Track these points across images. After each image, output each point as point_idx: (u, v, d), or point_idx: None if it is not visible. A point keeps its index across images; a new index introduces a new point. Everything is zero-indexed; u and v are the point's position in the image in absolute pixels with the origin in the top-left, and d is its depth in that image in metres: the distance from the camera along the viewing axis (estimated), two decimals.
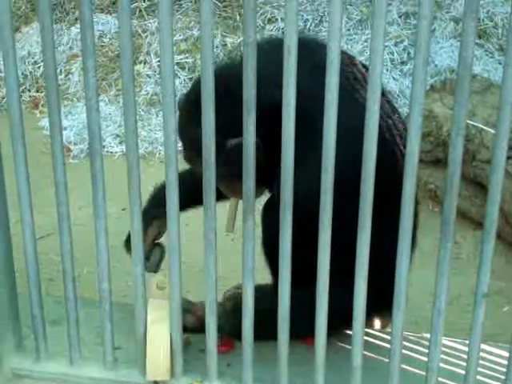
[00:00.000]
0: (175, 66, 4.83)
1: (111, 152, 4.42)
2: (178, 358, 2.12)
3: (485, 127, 3.71)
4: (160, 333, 2.10)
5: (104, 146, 4.39)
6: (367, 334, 2.25)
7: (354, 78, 2.19)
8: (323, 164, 1.82)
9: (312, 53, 2.06)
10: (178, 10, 5.23)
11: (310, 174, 1.92)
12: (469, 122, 3.76)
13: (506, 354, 2.00)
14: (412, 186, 1.84)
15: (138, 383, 2.15)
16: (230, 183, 2.19)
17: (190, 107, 2.18)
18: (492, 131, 3.41)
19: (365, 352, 2.04)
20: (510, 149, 3.61)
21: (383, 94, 2.04)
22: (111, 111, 4.66)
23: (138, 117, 1.95)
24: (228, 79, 2.00)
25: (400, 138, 2.18)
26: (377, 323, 2.52)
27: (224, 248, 2.37)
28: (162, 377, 2.12)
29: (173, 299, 2.05)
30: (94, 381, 2.17)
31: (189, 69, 4.89)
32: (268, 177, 2.06)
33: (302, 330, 2.09)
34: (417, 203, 1.93)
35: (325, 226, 1.88)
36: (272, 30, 5.13)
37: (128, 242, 2.26)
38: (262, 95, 1.81)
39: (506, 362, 2.01)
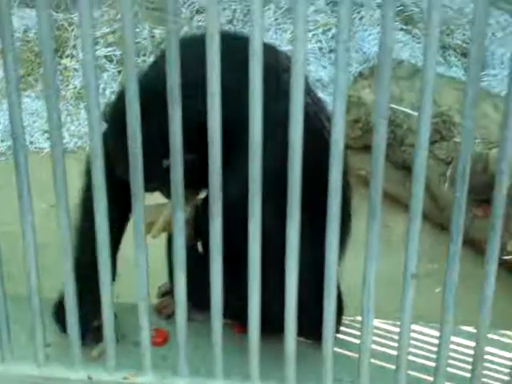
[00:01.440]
0: (103, 59, 4.79)
1: (39, 148, 4.36)
2: (110, 352, 2.11)
3: (412, 112, 3.76)
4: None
5: (32, 142, 4.33)
6: None
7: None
8: (250, 157, 1.83)
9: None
10: (104, 3, 5.17)
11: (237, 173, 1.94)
12: (396, 107, 3.81)
13: (438, 334, 2.04)
14: (338, 173, 1.86)
15: (70, 379, 2.13)
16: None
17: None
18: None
19: (298, 338, 2.06)
20: (437, 132, 3.72)
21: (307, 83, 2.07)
22: (38, 107, 4.58)
23: (66, 111, 1.93)
24: (154, 98, 1.97)
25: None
26: None
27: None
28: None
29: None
30: (26, 378, 2.15)
31: (117, 61, 4.84)
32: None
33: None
34: (346, 191, 1.95)
35: (255, 218, 1.90)
36: (200, 21, 5.11)
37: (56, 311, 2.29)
38: (187, 115, 1.83)
39: (437, 342, 2.04)
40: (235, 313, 2.09)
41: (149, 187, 1.95)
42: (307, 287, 2.00)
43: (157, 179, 2.01)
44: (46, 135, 4.39)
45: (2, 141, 4.41)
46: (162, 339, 2.30)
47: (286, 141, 1.82)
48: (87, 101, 1.86)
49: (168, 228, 2.22)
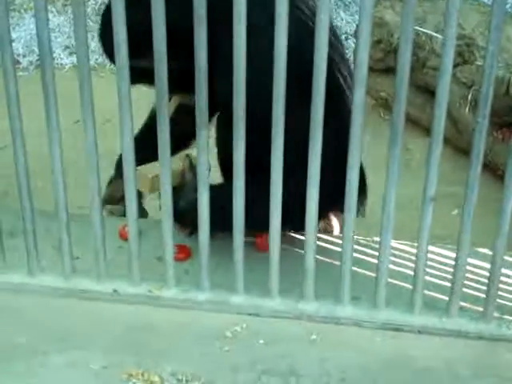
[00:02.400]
0: None
1: (61, 64, 4.36)
2: (135, 266, 2.16)
3: (435, 34, 3.74)
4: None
5: (53, 58, 4.32)
6: (320, 239, 2.31)
7: None
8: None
9: None
10: None
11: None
12: (419, 29, 3.79)
13: (454, 255, 2.07)
14: (362, 95, 1.87)
15: (96, 291, 2.19)
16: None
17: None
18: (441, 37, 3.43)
19: (318, 256, 2.11)
20: (459, 56, 3.69)
21: None
22: (60, 22, 4.58)
23: (86, 28, 1.94)
24: None
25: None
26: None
27: None
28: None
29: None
30: (53, 290, 2.20)
31: None
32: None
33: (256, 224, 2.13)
34: None
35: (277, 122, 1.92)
36: None
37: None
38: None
39: (453, 263, 2.08)
40: (257, 223, 2.13)
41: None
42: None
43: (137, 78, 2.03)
44: (68, 51, 4.39)
45: (24, 56, 4.42)
46: (184, 255, 2.34)
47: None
48: (113, 24, 1.87)
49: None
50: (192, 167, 2.31)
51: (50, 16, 4.53)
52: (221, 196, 2.07)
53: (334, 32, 2.26)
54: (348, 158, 1.94)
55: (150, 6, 1.86)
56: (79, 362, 1.99)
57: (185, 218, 2.24)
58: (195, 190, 2.06)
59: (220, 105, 2.15)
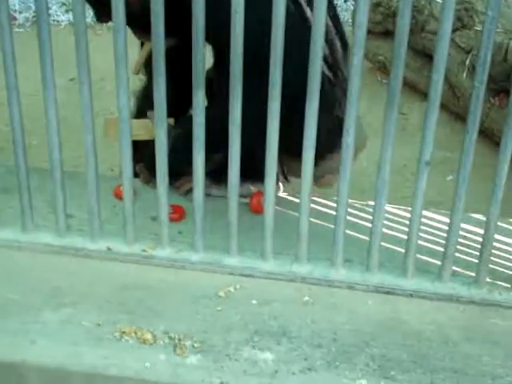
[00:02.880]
0: None
1: (57, 21, 4.33)
2: (129, 225, 2.17)
3: None
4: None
5: (50, 15, 4.28)
6: (314, 202, 2.31)
7: None
8: None
9: None
10: None
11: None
12: None
13: (447, 220, 2.08)
14: (360, 58, 1.86)
15: (90, 249, 2.20)
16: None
17: None
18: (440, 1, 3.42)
19: (312, 219, 2.12)
20: (458, 20, 3.67)
21: None
22: None
23: None
24: None
25: None
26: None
27: None
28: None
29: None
30: (46, 247, 2.21)
31: None
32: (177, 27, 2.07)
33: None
34: None
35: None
36: None
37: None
38: None
39: (446, 228, 2.09)
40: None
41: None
42: None
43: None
44: (64, 8, 4.35)
45: (20, 12, 4.38)
46: (179, 215, 2.35)
47: None
48: None
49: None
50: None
51: None
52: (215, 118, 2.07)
53: None
54: (345, 120, 1.94)
55: None
56: (72, 319, 2.00)
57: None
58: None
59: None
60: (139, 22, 2.06)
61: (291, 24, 1.88)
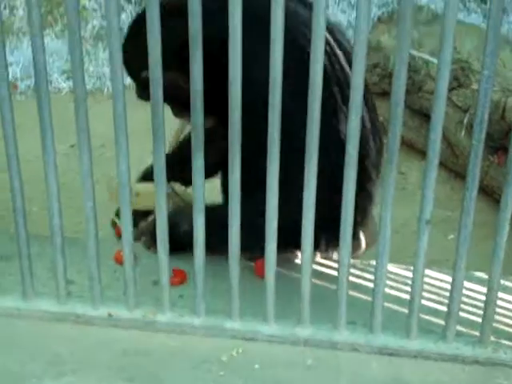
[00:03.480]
0: (122, 0, 4.79)
1: (58, 88, 4.37)
2: (130, 290, 2.15)
3: (431, 58, 3.75)
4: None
5: (51, 82, 4.33)
6: (315, 263, 2.30)
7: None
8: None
9: None
10: None
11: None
12: (415, 53, 3.80)
13: (450, 279, 2.07)
14: (357, 122, 1.87)
15: (90, 316, 2.18)
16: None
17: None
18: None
19: (314, 280, 2.10)
20: (455, 80, 3.71)
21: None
22: (58, 46, 4.59)
23: (84, 52, 1.95)
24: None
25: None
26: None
27: None
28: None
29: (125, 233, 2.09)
30: (47, 314, 2.19)
31: (135, 2, 4.83)
32: (217, 107, 2.08)
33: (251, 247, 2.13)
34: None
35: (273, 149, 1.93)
36: None
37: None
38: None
39: (449, 287, 2.08)
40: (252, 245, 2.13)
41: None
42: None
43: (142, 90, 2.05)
44: (66, 75, 4.40)
45: (22, 80, 4.43)
46: (179, 279, 2.34)
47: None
48: (108, 42, 1.87)
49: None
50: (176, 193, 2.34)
51: (48, 40, 4.56)
52: (219, 217, 2.07)
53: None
54: (344, 181, 1.94)
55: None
56: None
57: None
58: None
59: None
60: (181, 101, 2.08)
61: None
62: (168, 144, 2.54)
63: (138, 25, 2.20)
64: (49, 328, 2.16)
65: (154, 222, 2.09)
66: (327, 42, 2.01)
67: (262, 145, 1.92)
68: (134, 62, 2.26)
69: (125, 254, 2.11)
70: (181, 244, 2.20)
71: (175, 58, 2.05)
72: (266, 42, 1.82)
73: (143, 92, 2.22)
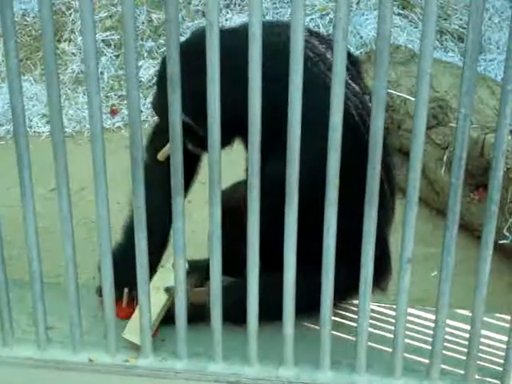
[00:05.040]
0: (101, 43, 4.79)
1: (38, 132, 4.36)
2: (111, 335, 2.13)
3: (409, 97, 3.77)
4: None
5: (31, 127, 4.33)
6: None
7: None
8: (289, 152, 1.86)
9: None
10: None
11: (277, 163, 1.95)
12: (393, 92, 3.82)
13: (434, 317, 2.06)
14: (336, 160, 1.87)
15: (71, 361, 2.16)
16: None
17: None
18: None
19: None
20: (433, 118, 3.73)
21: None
22: (37, 91, 4.58)
23: (64, 96, 1.96)
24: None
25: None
26: None
27: None
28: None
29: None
30: (27, 361, 2.16)
31: (115, 46, 4.84)
32: None
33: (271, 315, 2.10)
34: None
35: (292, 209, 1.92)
36: (198, 5, 5.11)
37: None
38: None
39: (433, 325, 2.07)
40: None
41: None
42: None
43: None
44: (45, 119, 4.39)
45: (1, 125, 4.41)
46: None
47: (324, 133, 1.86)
48: (87, 85, 1.87)
49: None
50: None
51: (28, 85, 4.55)
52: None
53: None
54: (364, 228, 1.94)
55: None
56: None
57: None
58: None
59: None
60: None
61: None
62: (162, 153, 2.42)
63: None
64: (29, 375, 2.14)
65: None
66: None
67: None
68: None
69: (105, 298, 2.09)
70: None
71: None
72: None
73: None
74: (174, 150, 1.90)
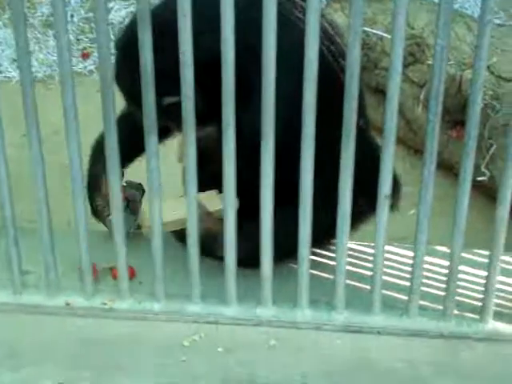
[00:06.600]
0: None
1: (8, 77, 4.28)
2: (87, 278, 2.11)
3: (385, 34, 3.73)
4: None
5: (1, 72, 4.25)
6: None
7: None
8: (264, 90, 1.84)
9: None
10: None
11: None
12: (369, 29, 3.78)
13: (411, 254, 2.06)
14: (312, 94, 1.84)
15: (47, 306, 2.14)
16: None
17: (126, 52, 2.09)
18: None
19: None
20: (410, 55, 3.69)
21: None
22: (6, 35, 4.50)
23: (34, 40, 1.90)
24: (164, 30, 1.91)
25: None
26: None
27: None
28: None
29: None
30: (3, 306, 2.14)
31: None
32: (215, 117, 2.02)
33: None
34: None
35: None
36: None
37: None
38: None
39: (411, 262, 2.06)
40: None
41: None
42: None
43: (159, 116, 1.98)
44: (15, 64, 4.32)
45: None
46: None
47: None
48: (55, 28, 1.83)
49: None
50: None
51: None
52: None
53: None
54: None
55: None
56: (32, 379, 1.94)
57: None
58: None
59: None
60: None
61: None
62: (178, 156, 2.29)
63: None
64: (5, 319, 2.12)
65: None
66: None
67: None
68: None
69: (81, 244, 2.06)
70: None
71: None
72: None
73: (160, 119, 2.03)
74: (146, 90, 1.86)
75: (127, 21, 2.27)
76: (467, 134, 1.89)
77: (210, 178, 2.08)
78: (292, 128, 1.90)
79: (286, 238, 2.03)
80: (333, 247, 2.18)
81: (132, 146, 2.17)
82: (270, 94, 1.84)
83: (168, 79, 1.87)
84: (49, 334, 2.08)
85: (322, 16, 1.97)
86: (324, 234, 2.21)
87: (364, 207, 2.13)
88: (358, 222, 2.23)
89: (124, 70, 2.07)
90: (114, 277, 2.19)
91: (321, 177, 1.95)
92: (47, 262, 2.10)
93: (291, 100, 1.89)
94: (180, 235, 2.22)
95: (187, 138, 1.91)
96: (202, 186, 2.03)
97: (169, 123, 2.07)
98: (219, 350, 2.04)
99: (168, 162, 2.29)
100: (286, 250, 2.09)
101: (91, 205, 2.35)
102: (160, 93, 1.92)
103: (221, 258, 2.08)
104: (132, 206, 2.34)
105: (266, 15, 1.76)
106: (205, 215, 2.15)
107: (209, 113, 1.96)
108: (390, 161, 1.92)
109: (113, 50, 1.99)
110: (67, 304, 2.13)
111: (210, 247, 2.15)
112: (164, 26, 1.89)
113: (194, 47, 1.82)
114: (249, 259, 2.06)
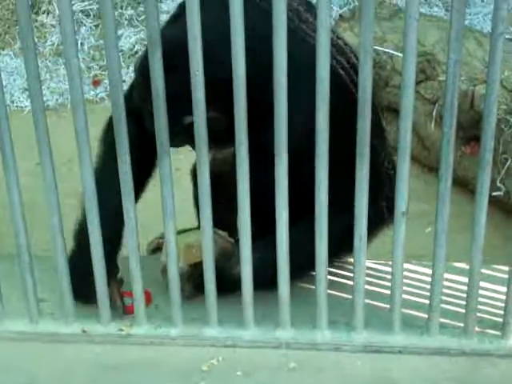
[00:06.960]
0: (80, 14, 4.73)
1: (20, 107, 4.31)
2: (103, 305, 2.10)
3: (395, 52, 3.73)
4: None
5: (13, 101, 4.28)
6: None
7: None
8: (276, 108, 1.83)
9: None
10: None
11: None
12: (379, 48, 3.78)
13: (430, 272, 2.03)
14: (325, 114, 1.83)
15: (64, 333, 2.12)
16: None
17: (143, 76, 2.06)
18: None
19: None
20: (421, 72, 3.69)
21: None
22: (17, 65, 4.53)
23: (45, 69, 1.91)
24: (175, 51, 1.91)
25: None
26: None
27: None
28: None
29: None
30: (20, 335, 2.13)
31: (94, 16, 4.77)
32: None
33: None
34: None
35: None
36: None
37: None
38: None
39: (429, 279, 2.04)
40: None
41: (173, 143, 1.93)
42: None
43: (179, 135, 1.98)
44: (27, 93, 4.34)
45: None
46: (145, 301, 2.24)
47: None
48: (65, 56, 1.83)
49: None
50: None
51: (8, 59, 4.50)
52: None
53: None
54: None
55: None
56: None
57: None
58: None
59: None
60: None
61: None
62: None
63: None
64: (22, 348, 2.10)
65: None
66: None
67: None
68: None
69: (96, 268, 2.05)
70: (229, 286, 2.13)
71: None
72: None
73: (179, 138, 2.04)
74: (158, 115, 1.86)
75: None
76: (483, 147, 1.87)
77: (221, 202, 2.07)
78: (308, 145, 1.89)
79: (300, 257, 2.01)
80: (350, 266, 2.16)
81: (142, 170, 2.16)
82: (283, 110, 1.83)
83: (188, 99, 1.87)
84: (66, 362, 2.06)
85: (333, 32, 1.98)
86: (337, 252, 2.19)
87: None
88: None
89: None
90: (127, 312, 2.15)
91: (334, 193, 1.94)
92: (63, 289, 2.09)
93: (307, 117, 1.88)
94: (197, 286, 2.19)
95: (201, 158, 1.90)
96: (215, 211, 2.01)
97: (189, 142, 2.06)
98: (238, 373, 2.02)
99: (181, 187, 2.29)
100: (300, 269, 2.07)
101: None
102: (180, 112, 1.93)
103: (235, 281, 2.07)
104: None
105: (276, 32, 1.76)
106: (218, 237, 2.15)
107: (231, 133, 1.96)
108: (406, 178, 1.91)
109: (123, 77, 1.98)
110: (84, 331, 2.11)
111: (225, 266, 2.14)
112: (183, 46, 1.86)
113: (215, 66, 1.83)
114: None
